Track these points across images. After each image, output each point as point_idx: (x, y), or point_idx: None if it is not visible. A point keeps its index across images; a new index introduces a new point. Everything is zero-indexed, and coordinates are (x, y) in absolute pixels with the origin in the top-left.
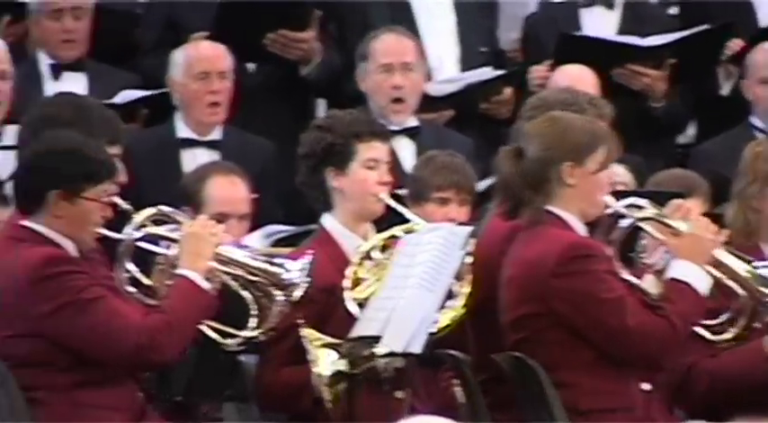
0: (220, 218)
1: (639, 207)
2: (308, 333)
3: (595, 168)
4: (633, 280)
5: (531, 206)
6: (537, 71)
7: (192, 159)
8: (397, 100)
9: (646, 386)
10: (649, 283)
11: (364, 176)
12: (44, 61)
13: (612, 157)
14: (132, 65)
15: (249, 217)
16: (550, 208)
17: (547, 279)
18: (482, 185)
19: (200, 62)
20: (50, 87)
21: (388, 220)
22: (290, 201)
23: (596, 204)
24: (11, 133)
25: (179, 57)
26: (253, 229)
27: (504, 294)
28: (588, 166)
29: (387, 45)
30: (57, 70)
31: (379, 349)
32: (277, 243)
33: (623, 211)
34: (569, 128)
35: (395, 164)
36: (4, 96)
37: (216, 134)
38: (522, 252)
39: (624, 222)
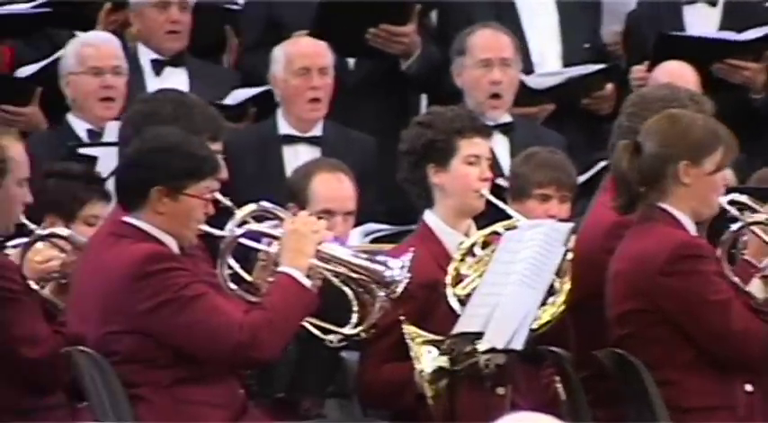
0: (326, 215)
1: (753, 210)
2: (409, 330)
3: (712, 169)
4: (740, 284)
5: (645, 202)
6: (636, 71)
7: (293, 156)
8: (495, 95)
9: (749, 387)
10: (756, 288)
11: (465, 173)
12: (146, 56)
13: (730, 159)
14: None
15: (354, 214)
16: (664, 205)
17: (655, 276)
18: (581, 181)
19: (301, 58)
20: (152, 83)
21: (488, 216)
22: (392, 197)
23: (710, 205)
24: (112, 129)
25: (279, 53)
26: (354, 225)
27: (610, 289)
28: (705, 167)
29: (484, 40)
30: (158, 66)
31: (481, 346)
32: (376, 241)
33: (735, 213)
34: (690, 127)
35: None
36: (117, 93)
37: (317, 130)
38: (632, 247)
39: (734, 225)
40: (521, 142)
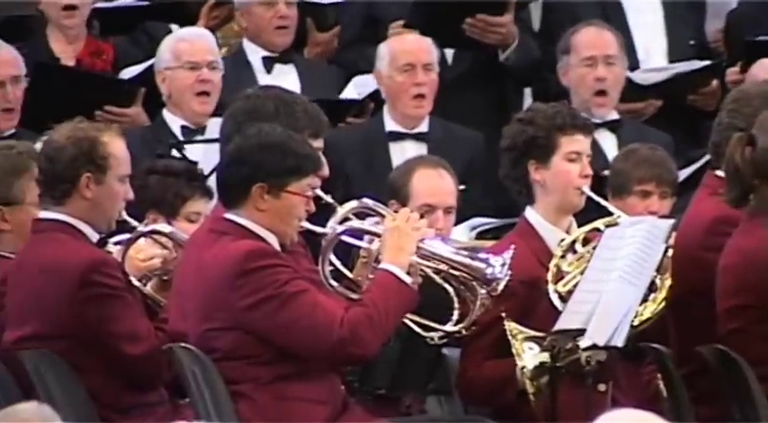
0: (427, 210)
1: None
2: (510, 326)
3: None
4: None
5: (757, 195)
6: (731, 74)
7: (400, 152)
8: (600, 93)
9: None
10: None
11: (566, 169)
12: (255, 54)
13: None
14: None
15: (455, 210)
16: None
17: (764, 271)
18: (682, 177)
19: (405, 54)
20: (263, 80)
21: (588, 213)
22: (498, 193)
23: None
24: (214, 126)
25: (384, 50)
26: (460, 221)
27: (719, 283)
28: None
29: (588, 38)
30: (269, 63)
31: (582, 342)
32: (481, 235)
33: None
34: None
35: (598, 155)
36: (213, 87)
37: (423, 126)
38: (742, 241)
39: None
40: (628, 139)
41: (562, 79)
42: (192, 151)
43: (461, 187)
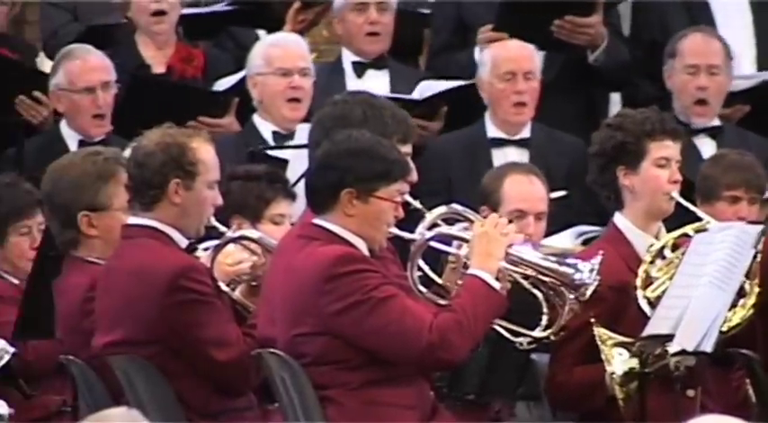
0: (518, 216)
1: None
2: (599, 332)
3: None
4: None
5: None
6: None
7: (502, 158)
8: (701, 102)
9: None
10: None
11: (655, 175)
12: (348, 59)
13: None
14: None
15: (546, 216)
16: None
17: None
18: None
19: (507, 62)
20: (354, 85)
21: (677, 218)
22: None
23: None
24: (303, 132)
25: (486, 56)
26: (564, 227)
27: None
28: None
29: (694, 45)
30: (360, 68)
31: (671, 348)
32: (587, 243)
33: None
34: None
35: (697, 161)
36: (304, 94)
37: (525, 132)
38: None
39: None
40: (728, 146)
41: (667, 83)
42: (281, 157)
43: (562, 193)
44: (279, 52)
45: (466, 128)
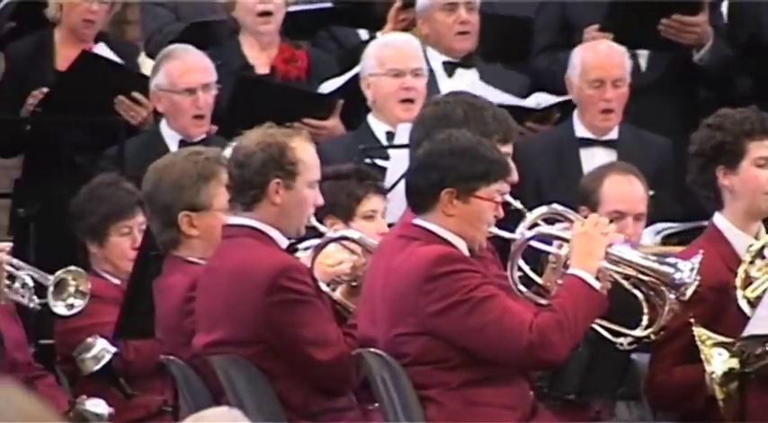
0: (616, 216)
1: None
2: (699, 332)
3: None
4: None
5: None
6: None
7: (590, 158)
8: None
9: None
10: None
11: (755, 175)
12: (436, 59)
13: None
14: (518, 66)
15: (645, 217)
16: None
17: None
18: None
19: (596, 70)
20: (444, 85)
21: None
22: (687, 199)
23: None
24: (404, 131)
25: (576, 59)
26: (646, 226)
27: None
28: None
29: None
30: (450, 68)
31: None
32: (666, 239)
33: None
34: None
35: None
36: (417, 94)
37: (613, 133)
38: None
39: None
40: None
41: None
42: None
43: (650, 193)
44: (391, 53)
45: (555, 126)
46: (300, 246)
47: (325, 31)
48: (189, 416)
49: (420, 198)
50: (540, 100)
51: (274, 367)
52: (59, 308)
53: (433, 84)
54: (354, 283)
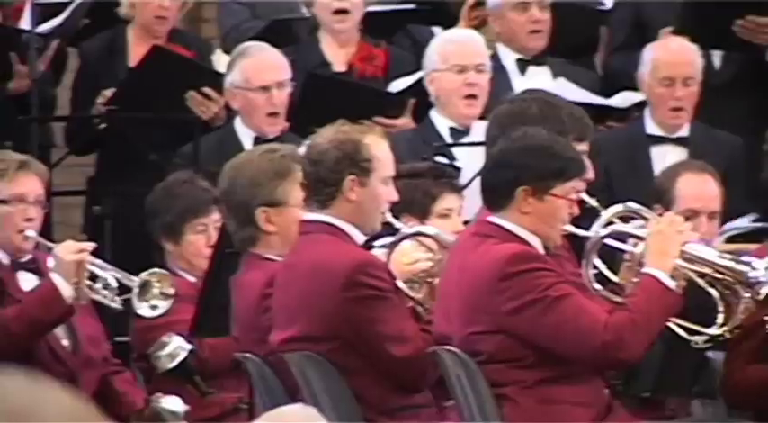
0: (690, 215)
1: None
2: None
3: None
4: None
5: None
6: None
7: (661, 156)
8: None
9: None
10: None
11: None
12: (508, 57)
13: None
14: (586, 62)
15: (719, 216)
16: None
17: None
18: None
19: (667, 68)
20: (518, 83)
21: None
22: (756, 196)
23: None
24: (479, 129)
25: (648, 56)
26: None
27: None
28: None
29: None
30: (522, 65)
31: None
32: (732, 239)
33: None
34: None
35: None
36: (481, 90)
37: (684, 131)
38: None
39: None
40: None
41: None
42: (457, 154)
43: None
44: (455, 48)
45: (626, 123)
46: (376, 242)
47: (400, 30)
48: (264, 413)
49: (495, 196)
50: (625, 99)
51: (351, 364)
52: (143, 309)
53: (505, 81)
54: (431, 280)
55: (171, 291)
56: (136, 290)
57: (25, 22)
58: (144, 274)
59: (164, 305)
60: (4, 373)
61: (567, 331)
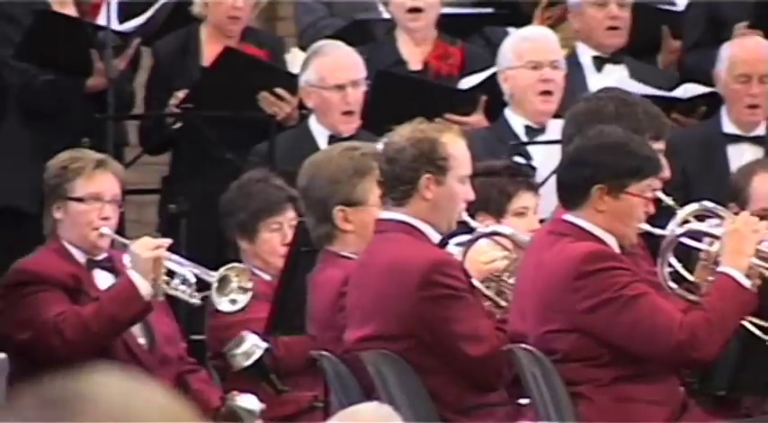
0: (765, 214)
1: None
2: None
3: None
4: None
5: None
6: None
7: (738, 155)
8: None
9: None
10: None
11: None
12: (586, 54)
13: None
14: (649, 61)
15: None
16: None
17: None
18: None
19: (742, 64)
20: (594, 80)
21: None
22: None
23: None
24: (554, 127)
25: (724, 53)
26: None
27: None
28: None
29: None
30: (599, 63)
31: None
32: None
33: None
34: None
35: None
36: (556, 87)
37: (760, 130)
38: None
39: None
40: None
41: None
42: (533, 152)
43: None
44: (529, 46)
45: (702, 122)
46: (452, 241)
47: (477, 32)
48: (339, 411)
49: (571, 194)
50: (687, 90)
51: (426, 362)
52: (223, 304)
53: (581, 78)
54: (506, 280)
55: (249, 285)
56: (215, 285)
57: (102, 19)
58: (223, 269)
59: (243, 299)
60: (99, 372)
61: (643, 330)
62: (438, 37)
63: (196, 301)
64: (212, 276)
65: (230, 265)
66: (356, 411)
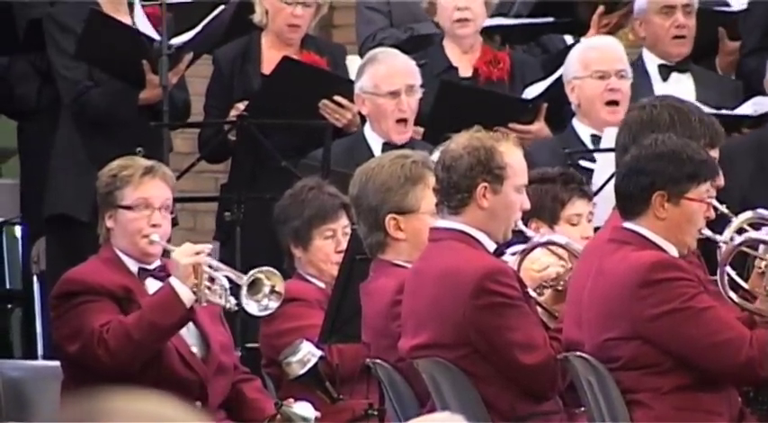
0: None
1: None
2: None
3: None
4: None
5: None
6: None
7: None
8: None
9: None
10: None
11: None
12: (652, 62)
13: None
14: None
15: None
16: None
17: None
18: None
19: None
20: (659, 89)
21: None
22: None
23: None
24: (609, 135)
25: None
26: None
27: None
28: None
29: None
30: (665, 71)
31: None
32: None
33: None
34: None
35: None
36: (622, 96)
37: None
38: None
39: None
40: None
41: None
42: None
43: None
44: (596, 55)
45: (757, 129)
46: (507, 250)
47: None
48: (395, 420)
49: (631, 202)
50: (757, 105)
51: (480, 371)
52: (252, 307)
53: (647, 87)
54: (560, 288)
55: (281, 289)
56: (245, 287)
57: (148, 28)
58: (253, 271)
59: (273, 305)
60: (134, 396)
61: (711, 344)
62: (484, 42)
63: (232, 305)
64: (242, 278)
65: (261, 268)
66: (428, 419)
